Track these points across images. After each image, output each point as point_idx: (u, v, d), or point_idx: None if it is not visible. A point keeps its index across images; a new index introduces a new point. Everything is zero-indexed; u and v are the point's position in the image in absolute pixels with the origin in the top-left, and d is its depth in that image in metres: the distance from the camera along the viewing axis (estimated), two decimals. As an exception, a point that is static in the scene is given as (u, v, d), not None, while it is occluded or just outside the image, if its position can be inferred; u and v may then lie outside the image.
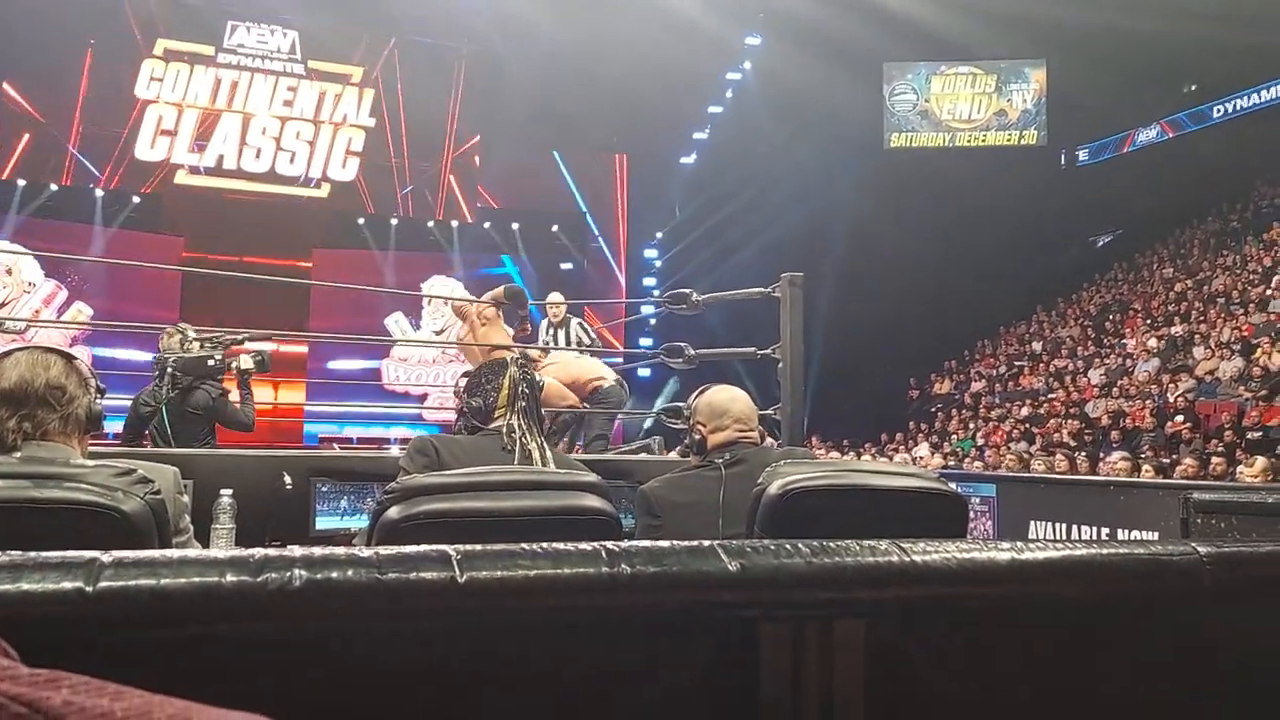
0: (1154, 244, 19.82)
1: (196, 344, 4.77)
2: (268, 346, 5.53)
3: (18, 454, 1.76)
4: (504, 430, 2.57)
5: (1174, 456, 10.07)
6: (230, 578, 0.97)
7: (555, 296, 7.29)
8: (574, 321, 6.96)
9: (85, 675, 0.47)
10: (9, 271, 16.54)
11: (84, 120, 17.72)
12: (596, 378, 5.88)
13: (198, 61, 18.19)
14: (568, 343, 6.75)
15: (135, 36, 17.85)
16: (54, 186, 17.42)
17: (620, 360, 8.12)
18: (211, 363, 4.64)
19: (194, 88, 18.16)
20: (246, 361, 4.84)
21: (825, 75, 19.00)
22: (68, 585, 0.92)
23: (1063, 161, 22.57)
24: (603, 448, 6.05)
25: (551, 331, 6.93)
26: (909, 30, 19.27)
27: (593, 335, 7.03)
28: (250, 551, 1.01)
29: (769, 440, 4.71)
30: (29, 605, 0.91)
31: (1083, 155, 22.45)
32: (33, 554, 0.94)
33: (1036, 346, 18.31)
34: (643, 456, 5.01)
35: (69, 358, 1.94)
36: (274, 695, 1.02)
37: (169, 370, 4.54)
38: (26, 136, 17.43)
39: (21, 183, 17.13)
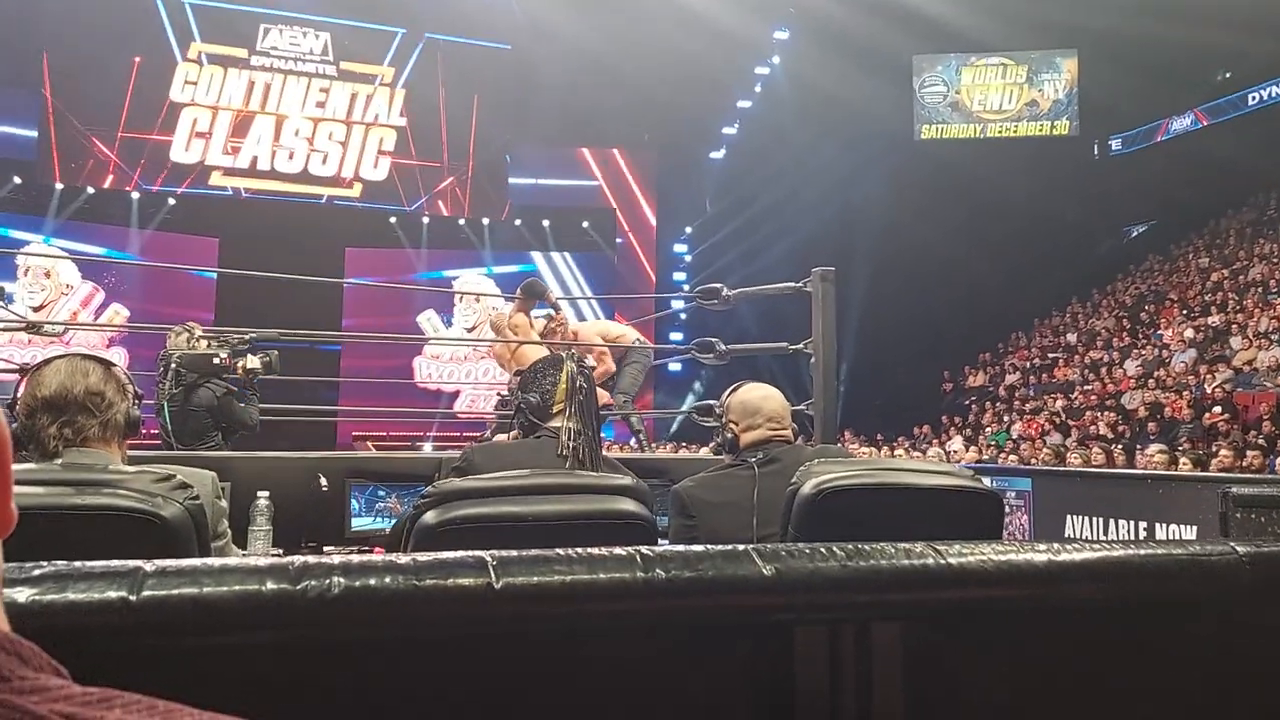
0: (1189, 234, 19.54)
1: (203, 342, 4.78)
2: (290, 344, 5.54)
3: (59, 461, 1.79)
4: (561, 433, 2.50)
5: (1213, 447, 9.92)
6: (270, 585, 0.98)
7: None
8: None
9: (129, 683, 0.48)
10: (48, 274, 16.81)
11: (120, 124, 17.96)
12: (622, 335, 6.74)
13: (231, 64, 18.40)
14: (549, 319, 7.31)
15: (170, 40, 18.07)
16: (91, 189, 17.69)
17: (650, 356, 8.23)
18: (216, 361, 4.62)
19: (228, 90, 18.37)
20: (253, 361, 4.78)
21: (854, 68, 18.89)
22: (112, 594, 0.94)
23: (1095, 151, 22.30)
24: (625, 401, 6.57)
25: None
26: (938, 21, 19.10)
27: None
28: (290, 559, 1.03)
29: (801, 438, 4.70)
30: (75, 615, 0.92)
31: (1116, 145, 22.15)
32: (77, 564, 0.96)
33: (1071, 338, 18.10)
34: (681, 455, 5.05)
35: (107, 364, 1.97)
36: (314, 701, 1.03)
37: (173, 367, 4.55)
38: (65, 141, 17.68)
39: (59, 186, 17.40)
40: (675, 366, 18.54)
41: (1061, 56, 21.45)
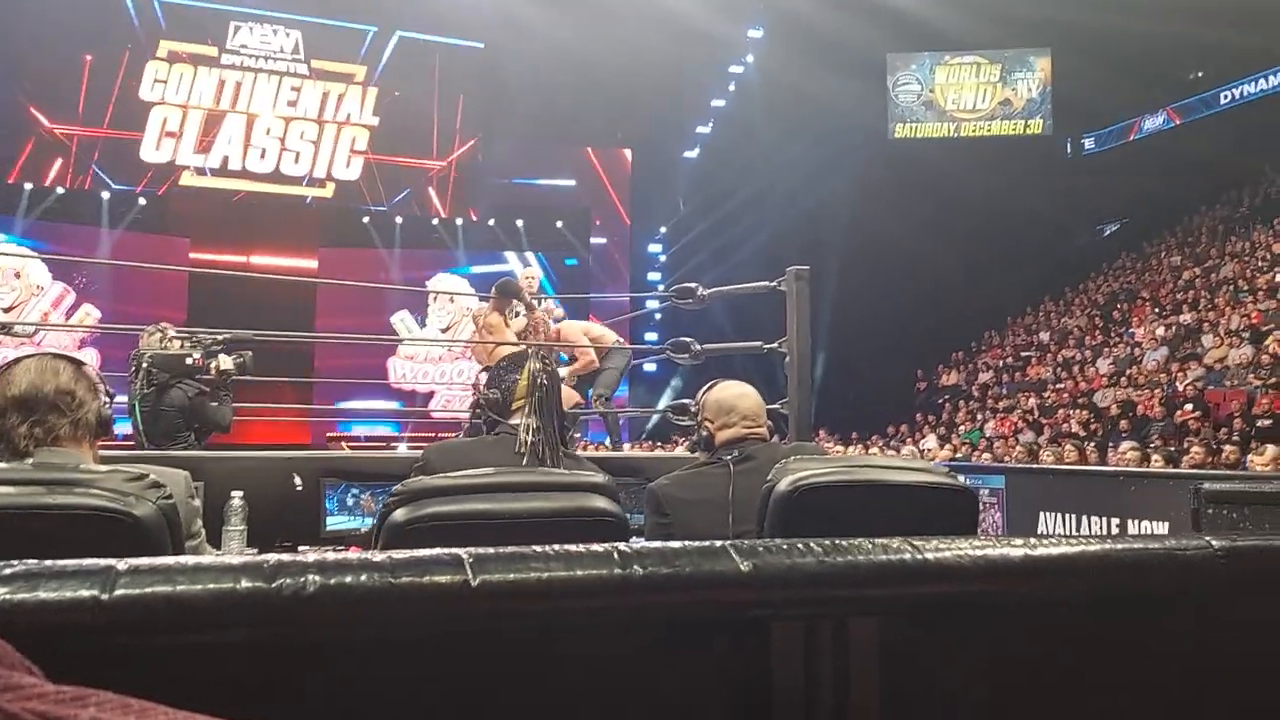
0: (1162, 232, 19.76)
1: (176, 342, 4.73)
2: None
3: (30, 460, 1.77)
4: (520, 428, 2.52)
5: (1184, 445, 10.03)
6: (245, 584, 0.97)
7: (532, 271, 8.19)
8: (545, 301, 7.67)
9: (101, 683, 0.47)
10: (17, 275, 16.61)
11: (89, 123, 17.76)
12: (602, 335, 6.85)
13: (201, 63, 18.23)
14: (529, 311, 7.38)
15: (139, 38, 17.89)
16: (60, 189, 17.50)
17: (629, 357, 8.32)
18: (189, 361, 4.58)
19: (198, 89, 18.21)
20: (226, 362, 4.75)
21: (828, 67, 18.98)
22: (84, 593, 0.93)
23: (1069, 150, 22.52)
24: (603, 398, 6.69)
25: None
26: (912, 20, 19.23)
27: (562, 313, 7.66)
28: (265, 557, 1.02)
29: (776, 437, 4.72)
30: (46, 614, 0.91)
31: (1089, 144, 22.38)
32: (49, 562, 0.95)
33: (1044, 336, 18.26)
34: (656, 454, 5.07)
35: (78, 364, 1.95)
36: (288, 700, 1.02)
37: (144, 367, 4.51)
38: (32, 140, 17.48)
39: (28, 186, 17.20)
40: (651, 366, 18.56)
41: (1035, 55, 21.65)
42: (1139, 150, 21.09)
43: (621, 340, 7.21)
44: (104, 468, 1.69)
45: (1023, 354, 18.02)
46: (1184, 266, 17.55)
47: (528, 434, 2.50)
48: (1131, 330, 16.12)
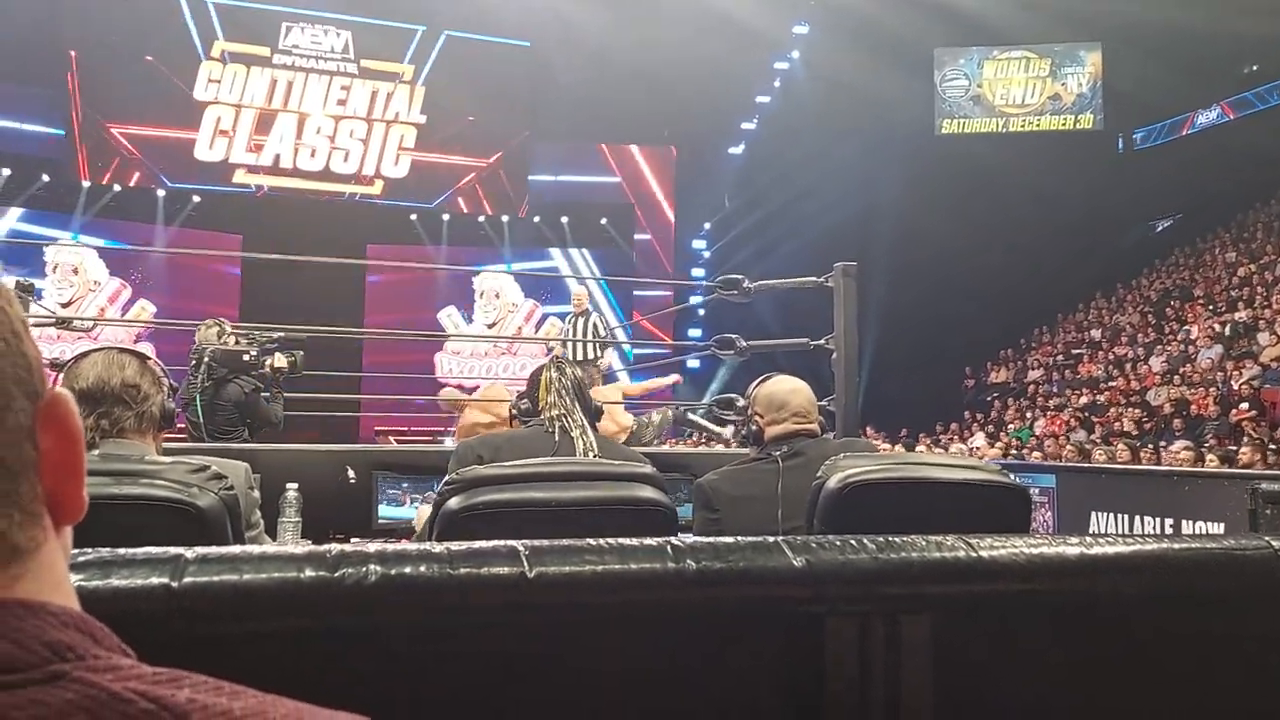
0: (1216, 228, 19.33)
1: (232, 338, 4.81)
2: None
3: (96, 451, 1.81)
4: (547, 418, 2.68)
5: (1239, 445, 9.83)
6: (308, 573, 0.99)
7: (581, 290, 8.16)
8: (593, 316, 7.82)
9: (171, 669, 0.49)
10: (75, 270, 16.99)
11: (145, 122, 18.11)
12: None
13: (254, 63, 18.50)
14: (583, 333, 7.52)
15: (194, 39, 18.20)
16: (117, 187, 17.85)
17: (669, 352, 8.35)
18: (247, 357, 4.67)
19: (250, 89, 18.48)
20: (281, 360, 4.83)
21: (875, 62, 18.80)
22: (154, 581, 0.95)
23: (1120, 145, 22.10)
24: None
25: (572, 320, 7.78)
26: (960, 14, 19.00)
27: (605, 331, 7.61)
28: (327, 547, 1.04)
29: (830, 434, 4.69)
30: (118, 600, 0.94)
31: (1140, 139, 21.95)
32: (121, 550, 0.98)
33: (1095, 334, 17.97)
34: (700, 450, 5.05)
35: (143, 358, 2.00)
36: (347, 688, 1.04)
37: (206, 361, 4.58)
38: (90, 139, 17.85)
39: (86, 184, 17.58)
40: (694, 363, 18.52)
41: (1086, 50, 21.27)
42: (1192, 145, 20.64)
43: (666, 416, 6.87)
44: (167, 459, 1.73)
45: (1074, 351, 17.75)
46: (1239, 263, 17.17)
47: (554, 410, 2.66)
48: (1186, 327, 15.81)
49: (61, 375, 1.94)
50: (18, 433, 0.48)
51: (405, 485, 3.40)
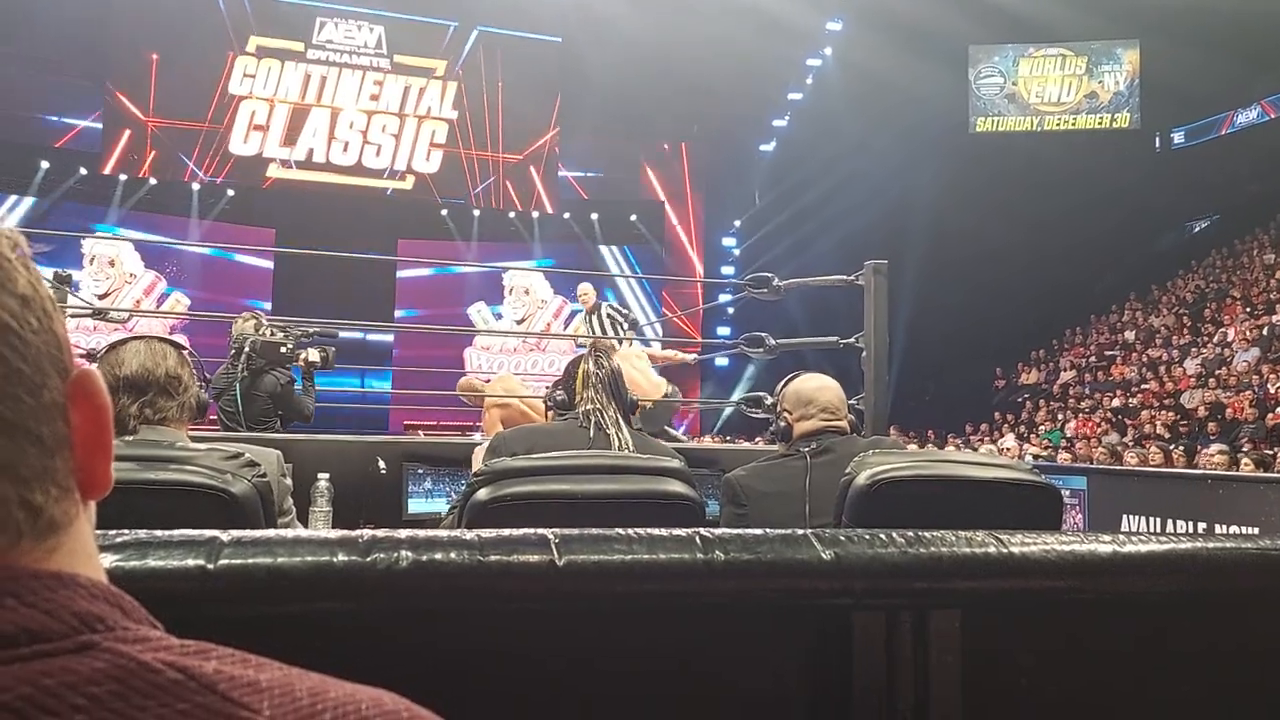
0: (1254, 229, 19.03)
1: (269, 330, 4.88)
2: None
3: (132, 437, 1.84)
4: (581, 413, 2.63)
5: (1275, 449, 9.68)
6: (341, 557, 1.00)
7: (585, 287, 7.88)
8: (604, 306, 7.43)
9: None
10: (111, 263, 17.22)
11: (181, 116, 18.32)
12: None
13: (288, 58, 18.66)
14: (601, 329, 7.20)
15: (229, 34, 18.38)
16: (153, 181, 18.07)
17: (699, 352, 8.27)
18: (284, 350, 4.73)
19: (285, 83, 18.65)
20: (314, 354, 4.91)
21: (908, 59, 18.67)
22: (190, 563, 0.97)
23: (1157, 144, 21.81)
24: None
25: (586, 318, 7.48)
26: (995, 11, 18.82)
27: (623, 317, 7.36)
28: (359, 533, 1.05)
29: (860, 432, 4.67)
30: (155, 581, 0.96)
31: (1178, 138, 21.65)
32: (159, 532, 0.99)
33: (1129, 335, 17.76)
34: (730, 445, 5.03)
35: (180, 348, 2.03)
36: (377, 671, 1.05)
37: (246, 351, 4.65)
38: (127, 133, 18.07)
39: (123, 178, 17.81)
40: (723, 361, 18.49)
41: (1123, 47, 21.01)
42: (1231, 145, 20.34)
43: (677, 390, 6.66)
44: (202, 446, 1.75)
45: (1107, 353, 17.55)
46: (1277, 265, 16.91)
47: (587, 404, 2.61)
48: (1222, 329, 15.59)
49: (97, 362, 1.97)
50: (53, 410, 0.49)
51: (429, 479, 3.41)
